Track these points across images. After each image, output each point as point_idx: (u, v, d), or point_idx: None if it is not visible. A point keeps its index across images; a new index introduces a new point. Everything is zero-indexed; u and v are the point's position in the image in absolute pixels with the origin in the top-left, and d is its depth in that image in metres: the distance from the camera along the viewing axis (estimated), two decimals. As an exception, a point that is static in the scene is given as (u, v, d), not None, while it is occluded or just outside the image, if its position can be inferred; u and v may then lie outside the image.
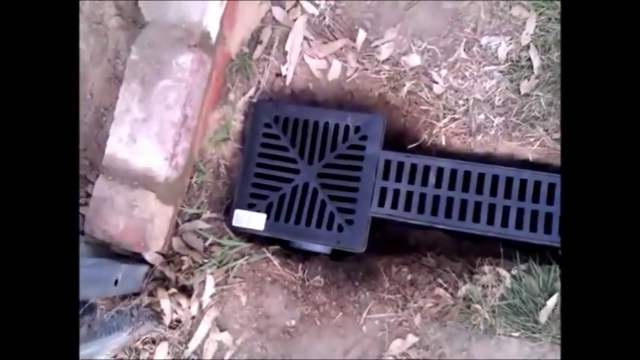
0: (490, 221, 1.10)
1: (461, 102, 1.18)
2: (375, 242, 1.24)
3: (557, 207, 1.09)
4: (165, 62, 1.07)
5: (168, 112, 1.06)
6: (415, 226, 1.18)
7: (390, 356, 1.03)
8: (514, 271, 1.05)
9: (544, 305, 1.02)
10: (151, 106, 1.06)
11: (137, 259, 1.09)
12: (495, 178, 1.12)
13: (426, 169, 1.16)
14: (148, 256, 1.09)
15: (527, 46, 1.17)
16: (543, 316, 1.01)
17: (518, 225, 1.09)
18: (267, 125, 1.23)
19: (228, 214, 1.17)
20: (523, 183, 1.11)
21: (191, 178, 1.17)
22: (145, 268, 1.10)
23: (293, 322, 1.08)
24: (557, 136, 1.12)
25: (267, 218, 1.16)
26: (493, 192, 1.12)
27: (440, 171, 1.15)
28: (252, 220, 1.16)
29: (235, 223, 1.16)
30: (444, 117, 1.18)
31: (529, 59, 1.16)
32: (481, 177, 1.13)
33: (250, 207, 1.17)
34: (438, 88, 1.19)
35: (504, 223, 1.10)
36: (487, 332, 1.02)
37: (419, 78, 1.20)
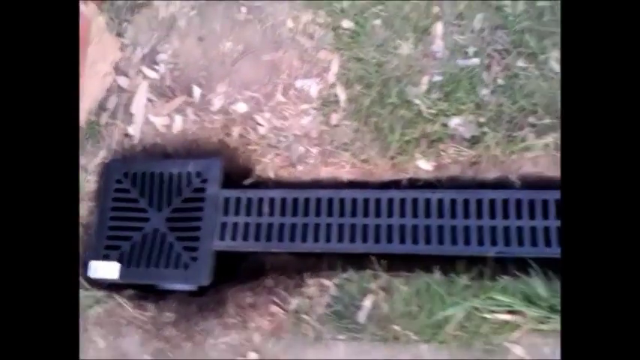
0: (316, 239, 1.25)
1: (282, 139, 1.34)
2: (240, 272, 1.37)
3: (371, 219, 1.25)
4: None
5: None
6: (266, 252, 1.32)
7: (236, 374, 1.14)
8: (336, 280, 1.20)
9: (362, 307, 1.16)
10: None
11: None
12: (319, 201, 1.28)
13: (260, 200, 1.31)
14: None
15: (334, 84, 1.36)
16: (362, 317, 1.15)
17: (340, 238, 1.25)
18: (118, 181, 1.36)
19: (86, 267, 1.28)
20: (342, 201, 1.27)
21: (44, 240, 1.28)
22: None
23: (147, 358, 1.18)
24: (364, 157, 1.30)
25: (122, 266, 1.28)
26: (317, 213, 1.27)
27: (272, 201, 1.30)
28: (106, 269, 1.27)
29: (91, 274, 1.27)
30: (270, 153, 1.34)
31: (336, 95, 1.35)
32: (307, 201, 1.28)
33: (105, 257, 1.28)
34: (262, 130, 1.35)
35: (328, 239, 1.25)
36: (317, 339, 1.15)
37: (246, 123, 1.37)
